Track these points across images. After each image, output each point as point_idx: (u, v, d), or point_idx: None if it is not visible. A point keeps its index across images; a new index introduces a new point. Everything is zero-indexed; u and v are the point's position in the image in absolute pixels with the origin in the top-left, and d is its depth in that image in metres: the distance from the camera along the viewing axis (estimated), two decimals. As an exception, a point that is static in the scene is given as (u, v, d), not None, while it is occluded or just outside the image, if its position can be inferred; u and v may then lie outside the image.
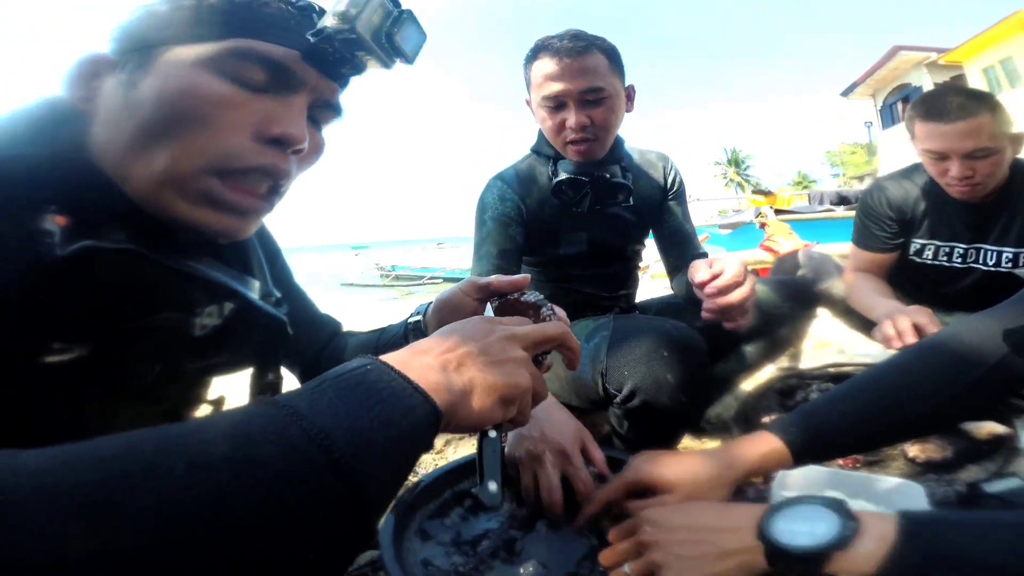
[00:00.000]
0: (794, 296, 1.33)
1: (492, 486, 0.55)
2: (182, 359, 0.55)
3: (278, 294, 0.68)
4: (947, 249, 1.38)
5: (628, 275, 1.43)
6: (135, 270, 0.47)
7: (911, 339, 1.11)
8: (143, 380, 0.52)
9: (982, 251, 1.33)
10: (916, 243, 1.42)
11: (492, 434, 0.56)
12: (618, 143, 1.25)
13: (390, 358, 0.42)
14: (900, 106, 19.38)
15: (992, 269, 1.33)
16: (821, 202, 10.68)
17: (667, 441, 1.08)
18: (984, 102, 1.18)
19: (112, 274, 0.46)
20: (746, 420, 1.42)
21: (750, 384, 1.54)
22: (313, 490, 0.31)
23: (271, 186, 0.52)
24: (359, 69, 0.52)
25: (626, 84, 1.21)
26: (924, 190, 1.37)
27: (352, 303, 9.24)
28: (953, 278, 1.39)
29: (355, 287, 14.41)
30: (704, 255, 1.21)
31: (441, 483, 0.83)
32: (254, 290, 0.61)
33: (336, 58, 0.49)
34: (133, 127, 0.46)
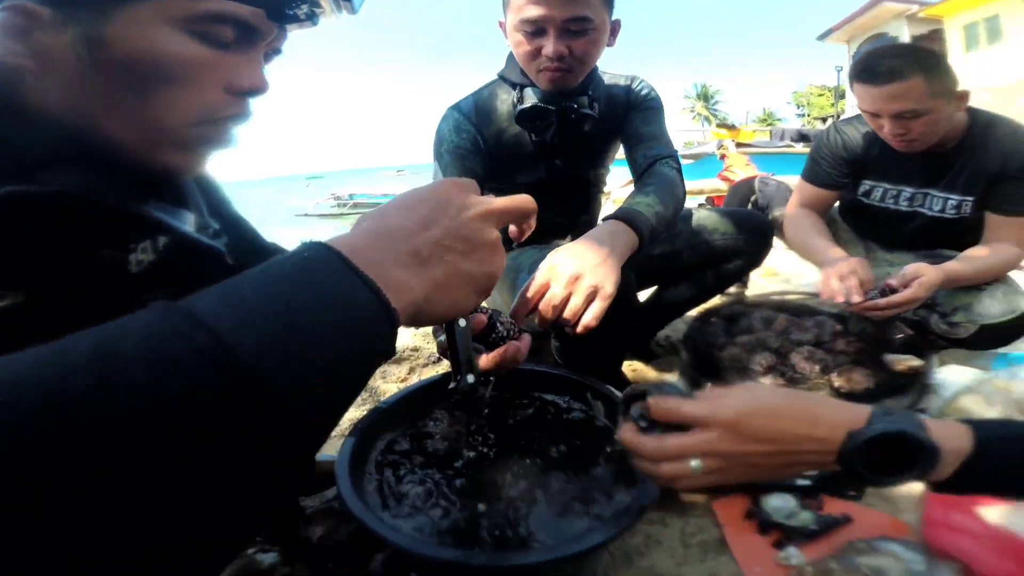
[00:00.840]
0: (751, 229, 1.36)
1: (470, 378, 0.55)
2: (122, 298, 0.54)
3: (216, 226, 0.68)
4: (895, 192, 1.46)
5: (589, 201, 1.45)
6: (67, 212, 0.48)
7: (856, 298, 1.23)
8: (84, 323, 0.50)
9: (929, 196, 1.41)
10: (866, 184, 1.50)
11: (462, 323, 0.54)
12: (591, 73, 1.20)
13: (344, 242, 0.37)
14: None
15: (937, 215, 1.40)
16: (782, 138, 10.98)
17: (606, 365, 1.15)
18: (917, 65, 1.20)
19: (42, 218, 0.47)
20: (694, 344, 1.50)
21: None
22: (209, 412, 0.27)
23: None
24: (314, 20, 0.56)
25: (613, 17, 1.15)
26: (879, 136, 1.40)
27: (308, 235, 9.01)
28: (898, 221, 1.48)
29: (310, 218, 13.98)
30: (665, 156, 1.21)
31: (404, 407, 0.84)
32: (189, 223, 0.62)
33: (294, 12, 0.54)
34: (103, 85, 0.49)
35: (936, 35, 17.47)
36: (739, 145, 7.89)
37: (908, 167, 1.40)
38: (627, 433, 0.56)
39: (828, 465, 0.53)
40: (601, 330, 0.84)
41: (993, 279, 1.29)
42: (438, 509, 0.67)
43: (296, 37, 0.59)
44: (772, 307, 1.60)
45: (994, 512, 0.82)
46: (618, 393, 0.83)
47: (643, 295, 1.56)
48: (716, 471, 0.53)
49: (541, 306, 0.82)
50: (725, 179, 4.78)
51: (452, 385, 0.55)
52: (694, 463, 0.52)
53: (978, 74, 15.19)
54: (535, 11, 1.03)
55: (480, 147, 1.21)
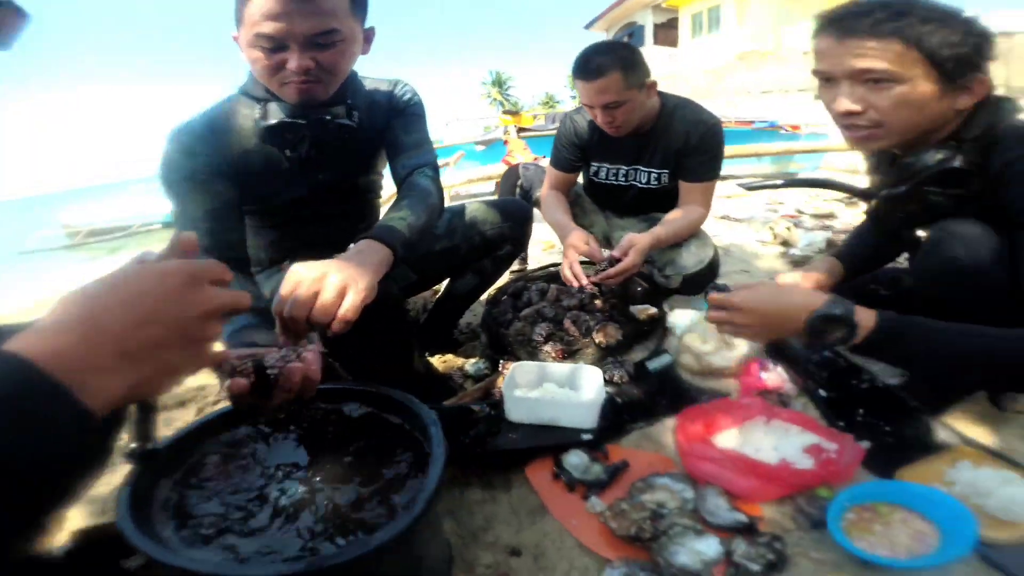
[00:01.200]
0: (512, 216, 1.48)
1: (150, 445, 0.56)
2: None
3: None
4: (614, 170, 1.76)
5: (364, 209, 1.41)
6: None
7: (584, 281, 1.50)
8: None
9: (638, 171, 1.72)
10: (594, 165, 1.79)
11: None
12: (347, 80, 1.15)
13: (45, 344, 0.36)
14: (626, 40, 23.55)
15: (645, 187, 1.72)
16: (553, 121, 12.27)
17: (391, 369, 1.15)
18: (615, 62, 1.46)
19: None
20: (487, 325, 1.60)
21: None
22: None
23: None
24: None
25: (366, 26, 1.10)
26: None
27: (35, 276, 7.09)
28: (620, 193, 1.80)
29: (37, 254, 10.90)
30: (422, 166, 1.22)
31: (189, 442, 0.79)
32: None
33: None
34: None
35: (674, 23, 21.38)
36: (521, 130, 8.54)
37: (619, 148, 1.69)
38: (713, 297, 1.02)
39: (799, 331, 0.93)
40: (369, 333, 0.84)
41: (689, 235, 1.63)
42: (232, 534, 0.66)
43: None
44: (547, 279, 1.81)
45: (725, 438, 1.04)
46: (409, 399, 0.84)
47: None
48: (744, 328, 1.00)
49: (287, 309, 0.77)
50: (507, 163, 5.18)
51: (132, 448, 0.56)
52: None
53: (701, 57, 18.96)
54: (272, 26, 0.94)
55: (223, 169, 1.09)
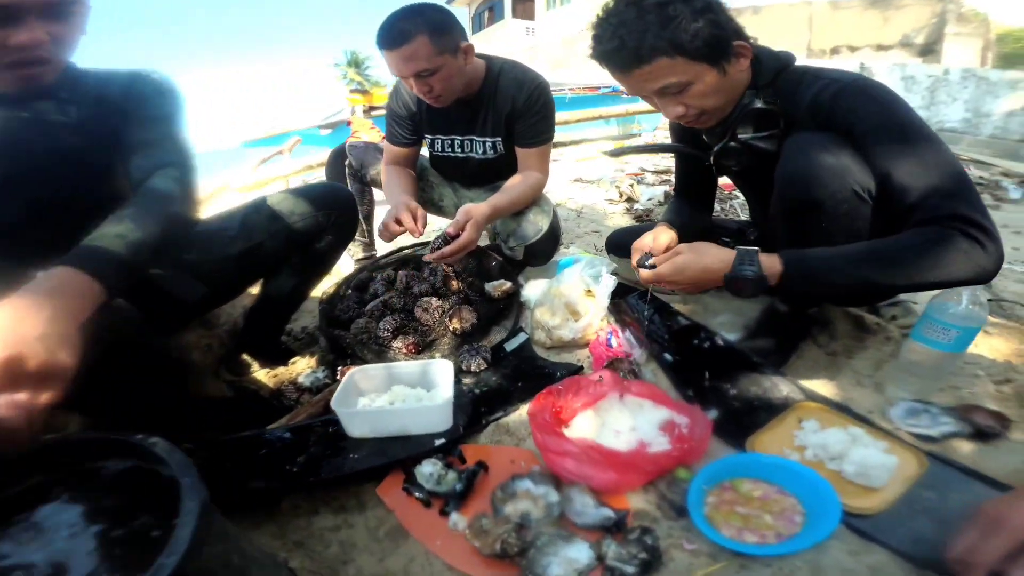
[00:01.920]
0: (330, 203, 1.26)
1: None
2: None
3: None
4: (449, 141, 1.61)
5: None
6: None
7: (428, 256, 1.36)
8: None
9: (473, 141, 1.59)
10: (428, 138, 1.63)
11: None
12: (68, 70, 0.91)
13: None
14: (486, 15, 23.91)
15: (482, 157, 1.60)
16: None
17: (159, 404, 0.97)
18: (421, 26, 1.28)
19: None
20: (333, 323, 1.39)
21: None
22: None
23: None
24: None
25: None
26: None
27: None
28: (461, 165, 1.65)
29: None
30: (165, 166, 0.94)
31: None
32: None
33: None
34: None
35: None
36: (372, 108, 7.93)
37: (449, 119, 1.54)
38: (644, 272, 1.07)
39: (720, 284, 0.98)
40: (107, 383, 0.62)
41: (529, 202, 1.54)
42: None
43: None
44: (397, 265, 1.63)
45: (581, 423, 0.97)
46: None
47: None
48: (675, 287, 1.04)
49: None
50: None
51: None
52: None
53: (556, 28, 19.37)
54: None
55: None
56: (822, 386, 1.08)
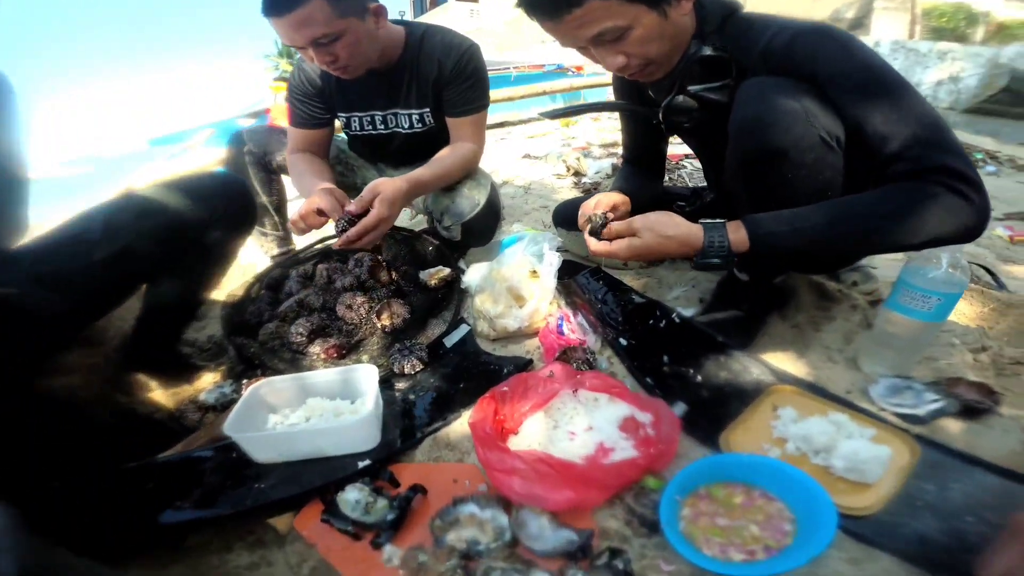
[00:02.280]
0: (210, 193, 1.06)
1: None
2: None
3: None
4: (368, 118, 1.39)
5: None
6: None
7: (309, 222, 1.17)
8: None
9: (397, 115, 1.38)
10: (342, 116, 1.40)
11: None
12: None
13: None
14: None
15: (409, 131, 1.40)
16: None
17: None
18: None
19: None
20: (239, 329, 1.19)
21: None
22: None
23: None
24: None
25: None
26: None
27: None
28: (386, 142, 1.44)
29: None
30: None
31: None
32: None
33: None
34: None
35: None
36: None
37: (366, 92, 1.34)
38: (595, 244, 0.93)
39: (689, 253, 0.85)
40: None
41: (461, 175, 1.37)
42: None
43: None
44: (318, 258, 1.42)
45: (531, 428, 0.82)
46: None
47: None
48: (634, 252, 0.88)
49: None
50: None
51: None
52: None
53: (500, 9, 18.91)
54: None
55: None
56: (793, 364, 0.97)
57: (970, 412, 0.80)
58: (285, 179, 1.51)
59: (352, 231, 1.09)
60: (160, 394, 1.17)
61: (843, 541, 0.65)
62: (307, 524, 0.76)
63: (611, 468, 0.71)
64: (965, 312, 1.10)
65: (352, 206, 1.11)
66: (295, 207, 1.30)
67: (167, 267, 1.04)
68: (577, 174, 2.46)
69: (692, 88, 0.93)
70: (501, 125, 4.59)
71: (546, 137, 3.74)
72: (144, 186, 1.02)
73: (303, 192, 1.29)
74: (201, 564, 0.75)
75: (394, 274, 1.28)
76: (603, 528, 0.70)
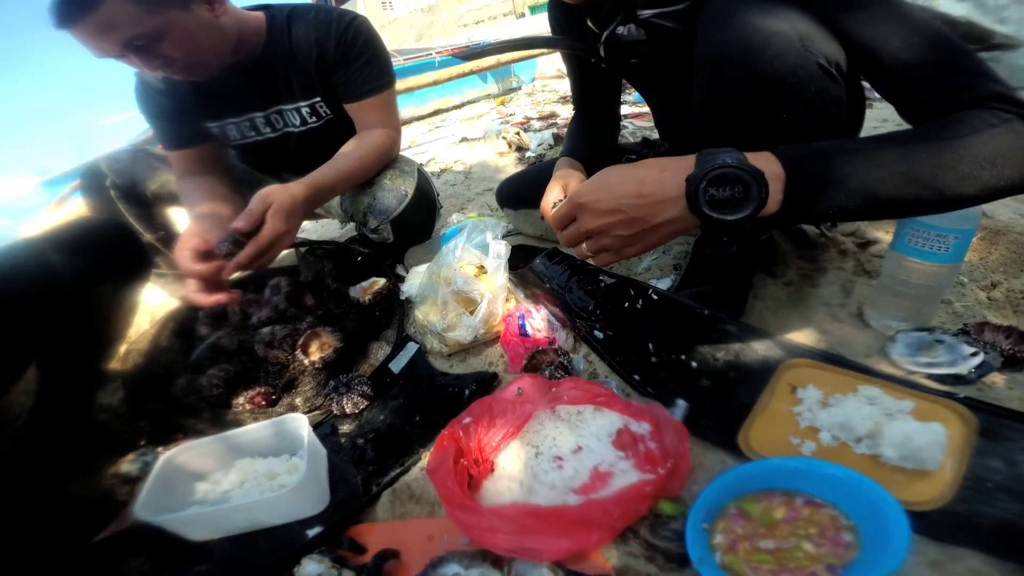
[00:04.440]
0: (59, 244, 0.83)
1: None
2: None
3: None
4: (247, 123, 1.15)
5: None
6: None
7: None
8: None
9: (283, 113, 1.15)
10: (214, 127, 1.14)
11: None
12: None
13: None
14: None
15: (303, 128, 1.17)
16: None
17: None
18: None
19: None
20: (145, 393, 0.96)
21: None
22: None
23: None
24: None
25: None
26: None
27: None
28: (279, 147, 1.19)
29: None
30: None
31: None
32: None
33: None
34: None
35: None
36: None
37: (234, 93, 1.09)
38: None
39: (685, 221, 0.56)
40: None
41: (378, 166, 1.14)
42: None
43: None
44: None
45: (507, 462, 0.65)
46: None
47: None
48: (605, 248, 0.63)
49: None
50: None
51: None
52: (583, 245, 0.65)
53: None
54: None
55: None
56: (796, 330, 0.82)
57: (1012, 362, 0.66)
58: (169, 210, 1.25)
59: (241, 255, 0.86)
60: (80, 472, 0.94)
61: (916, 542, 0.51)
62: None
63: (614, 504, 0.54)
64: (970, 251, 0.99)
65: (239, 222, 0.87)
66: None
67: (52, 335, 0.81)
68: (520, 149, 2.27)
69: (644, 13, 0.74)
70: (435, 113, 4.34)
71: (482, 118, 3.53)
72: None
73: (193, 219, 1.04)
74: None
75: (318, 297, 1.07)
76: (620, 569, 0.54)
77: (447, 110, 4.38)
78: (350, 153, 1.06)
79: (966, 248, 0.70)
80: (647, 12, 0.74)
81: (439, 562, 0.56)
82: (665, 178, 0.57)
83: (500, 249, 0.90)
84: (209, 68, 0.97)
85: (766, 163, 0.54)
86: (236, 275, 0.95)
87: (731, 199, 0.53)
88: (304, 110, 1.13)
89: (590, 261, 0.69)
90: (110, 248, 0.90)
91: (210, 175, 1.14)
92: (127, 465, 0.90)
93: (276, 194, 0.90)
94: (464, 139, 2.86)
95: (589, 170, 0.88)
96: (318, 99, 1.12)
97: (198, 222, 0.94)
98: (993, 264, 0.92)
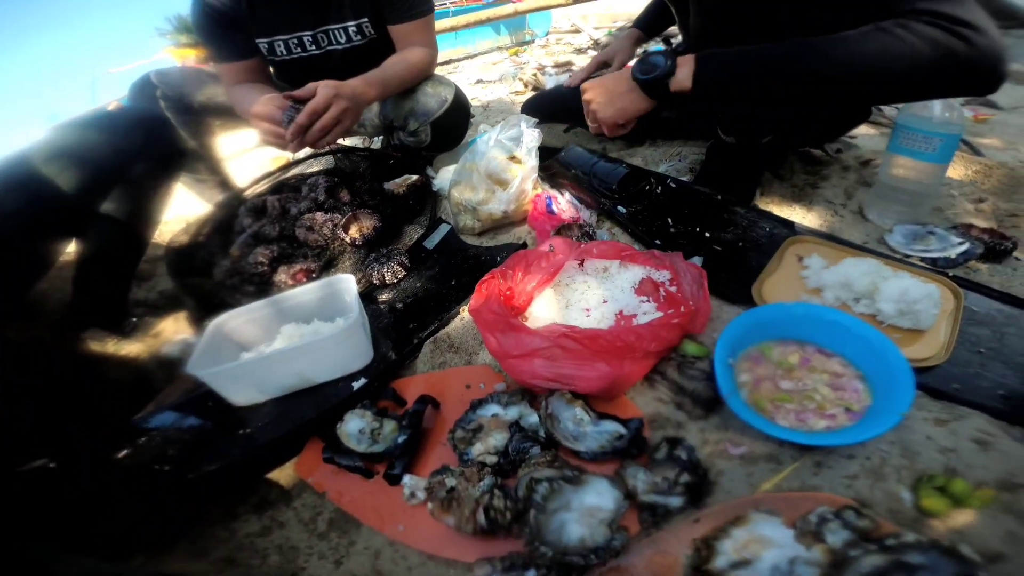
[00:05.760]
0: (124, 125, 0.89)
1: None
2: None
3: None
4: (295, 40, 1.19)
5: None
6: None
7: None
8: None
9: (329, 32, 1.19)
10: (263, 43, 1.18)
11: None
12: None
13: None
14: None
15: (347, 46, 1.21)
16: None
17: None
18: None
19: None
20: (187, 273, 1.02)
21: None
22: None
23: None
24: None
25: None
26: None
27: None
28: (320, 64, 1.23)
29: None
30: None
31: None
32: None
33: None
34: None
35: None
36: (209, 59, 6.78)
37: (288, 13, 1.14)
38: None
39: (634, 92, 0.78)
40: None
41: (419, 77, 1.20)
42: None
43: None
44: (263, 196, 1.23)
45: (541, 307, 0.72)
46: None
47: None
48: (594, 111, 0.82)
49: None
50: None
51: None
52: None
53: None
54: None
55: None
56: (800, 218, 0.89)
57: (994, 254, 0.74)
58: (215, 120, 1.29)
59: (301, 117, 0.91)
60: (120, 355, 1.00)
61: (920, 400, 0.55)
62: (310, 470, 0.64)
63: (644, 329, 0.59)
64: (959, 171, 1.05)
65: (298, 93, 0.92)
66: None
67: (92, 212, 0.86)
68: (535, 89, 2.28)
69: None
70: (447, 62, 4.28)
71: (497, 65, 3.50)
72: (52, 130, 0.83)
73: (246, 113, 1.08)
74: (206, 538, 0.63)
75: (353, 192, 1.12)
76: (651, 416, 0.59)
77: (459, 60, 4.32)
78: (397, 62, 1.12)
79: (951, 151, 0.77)
80: None
81: (478, 404, 0.62)
82: (625, 71, 0.79)
83: (533, 135, 0.96)
84: None
85: (685, 58, 0.72)
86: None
87: (651, 70, 0.73)
88: (351, 29, 1.17)
89: (591, 124, 0.85)
90: (150, 132, 0.93)
91: (259, 84, 1.19)
92: (167, 348, 0.95)
93: (327, 81, 0.95)
94: (480, 80, 2.86)
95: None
96: (365, 19, 1.16)
97: (263, 103, 0.97)
98: (984, 187, 0.98)
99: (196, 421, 0.71)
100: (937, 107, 0.75)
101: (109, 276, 1.01)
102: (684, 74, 0.70)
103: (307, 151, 1.15)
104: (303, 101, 0.93)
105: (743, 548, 0.47)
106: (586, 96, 0.83)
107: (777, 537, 0.47)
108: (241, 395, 0.70)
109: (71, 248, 0.96)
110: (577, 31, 4.58)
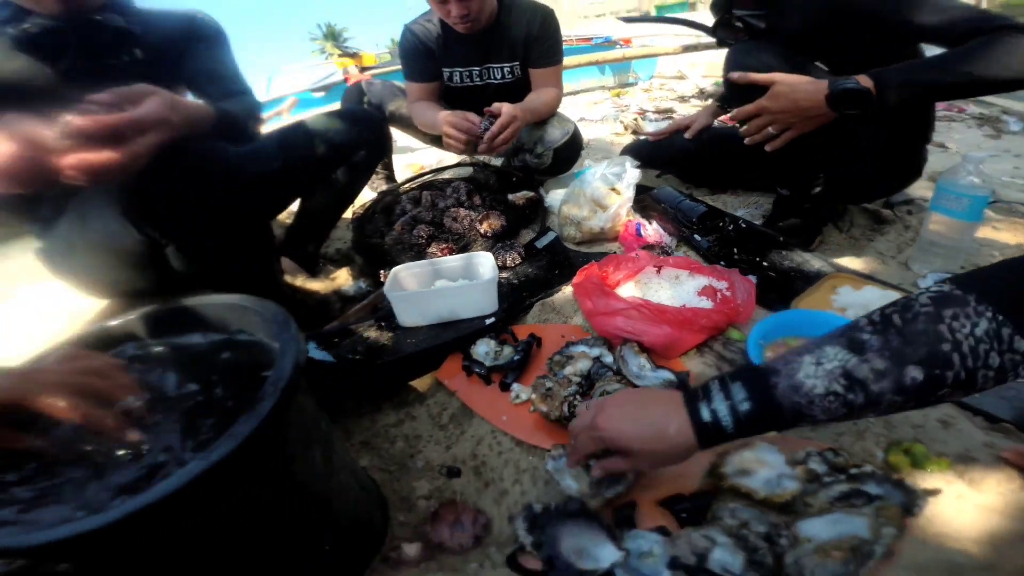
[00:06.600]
0: (362, 121, 1.23)
1: None
2: None
3: None
4: (467, 73, 1.59)
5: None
6: None
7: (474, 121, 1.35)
8: None
9: (491, 69, 1.58)
10: (445, 72, 1.59)
11: None
12: None
13: None
14: None
15: (501, 82, 1.59)
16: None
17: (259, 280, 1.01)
18: None
19: None
20: (359, 243, 1.36)
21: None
22: None
23: None
24: None
25: None
26: (440, 28, 1.52)
27: None
28: (478, 93, 1.61)
29: None
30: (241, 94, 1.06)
31: None
32: None
33: None
34: None
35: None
36: (364, 69, 7.67)
37: (467, 50, 1.53)
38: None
39: (822, 109, 0.90)
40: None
41: (549, 113, 1.55)
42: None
43: None
44: (418, 189, 1.59)
45: (624, 292, 0.96)
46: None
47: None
48: (779, 114, 0.94)
49: None
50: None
51: None
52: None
53: None
54: None
55: None
56: (849, 263, 1.07)
57: None
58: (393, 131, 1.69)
59: (495, 127, 1.29)
60: (309, 285, 1.36)
61: None
62: (448, 375, 0.89)
63: (702, 313, 0.83)
64: (1007, 238, 1.16)
65: (490, 108, 1.32)
66: (401, 158, 1.45)
67: (322, 181, 1.21)
68: (635, 133, 2.52)
69: (739, 11, 1.10)
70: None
71: (598, 105, 3.76)
72: (313, 116, 1.19)
73: (428, 124, 1.51)
74: (354, 426, 0.84)
75: (488, 196, 1.44)
76: (696, 374, 0.80)
77: (565, 95, 4.62)
78: (536, 98, 1.49)
79: (979, 210, 0.94)
80: (742, 11, 1.08)
81: (570, 344, 0.87)
82: (813, 88, 0.92)
83: (634, 175, 1.22)
84: (479, 24, 1.41)
85: (864, 79, 0.87)
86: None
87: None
88: (506, 69, 1.55)
89: (756, 137, 1.01)
90: (373, 127, 1.25)
91: (434, 104, 1.58)
92: (345, 287, 1.29)
93: (504, 103, 1.32)
94: (582, 118, 3.11)
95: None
96: (517, 62, 1.54)
97: (452, 114, 1.35)
98: (1025, 249, 1.10)
99: (377, 331, 1.00)
100: (968, 173, 0.92)
101: (317, 227, 1.36)
102: (866, 80, 0.87)
103: (458, 158, 1.58)
104: (493, 116, 1.31)
105: (747, 463, 0.69)
106: (773, 108, 0.95)
107: (772, 460, 0.68)
108: (408, 318, 0.99)
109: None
110: (682, 78, 4.71)
